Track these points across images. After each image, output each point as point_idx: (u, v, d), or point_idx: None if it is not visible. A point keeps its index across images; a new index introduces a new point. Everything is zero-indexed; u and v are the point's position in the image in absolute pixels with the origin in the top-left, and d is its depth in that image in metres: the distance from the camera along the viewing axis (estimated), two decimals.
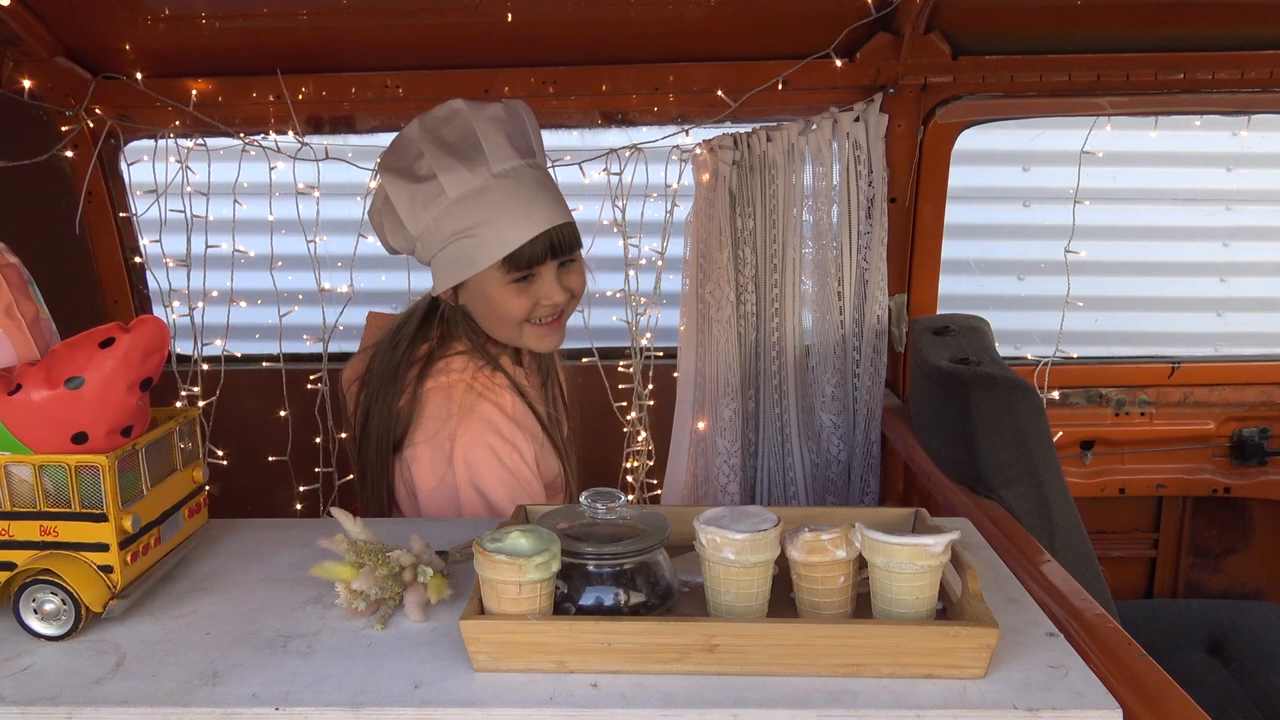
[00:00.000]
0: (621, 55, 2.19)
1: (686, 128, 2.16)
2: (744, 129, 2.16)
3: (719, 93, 2.12)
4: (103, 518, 1.10)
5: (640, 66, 2.19)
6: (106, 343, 1.10)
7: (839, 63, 2.09)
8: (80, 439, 1.10)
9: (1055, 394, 2.39)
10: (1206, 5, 2.03)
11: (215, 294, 2.26)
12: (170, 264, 2.25)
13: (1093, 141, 2.23)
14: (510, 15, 2.07)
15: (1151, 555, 2.61)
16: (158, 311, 2.35)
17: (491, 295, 1.58)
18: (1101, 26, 2.08)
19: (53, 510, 1.11)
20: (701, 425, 2.23)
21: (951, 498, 1.80)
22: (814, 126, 2.14)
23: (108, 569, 1.11)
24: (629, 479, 2.33)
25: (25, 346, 1.14)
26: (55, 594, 1.09)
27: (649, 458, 2.33)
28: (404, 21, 2.11)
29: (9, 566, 1.11)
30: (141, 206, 2.28)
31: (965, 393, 1.79)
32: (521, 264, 1.55)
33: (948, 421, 1.85)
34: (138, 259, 2.35)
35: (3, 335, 1.13)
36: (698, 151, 2.14)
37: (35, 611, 1.10)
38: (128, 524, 1.11)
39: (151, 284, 2.35)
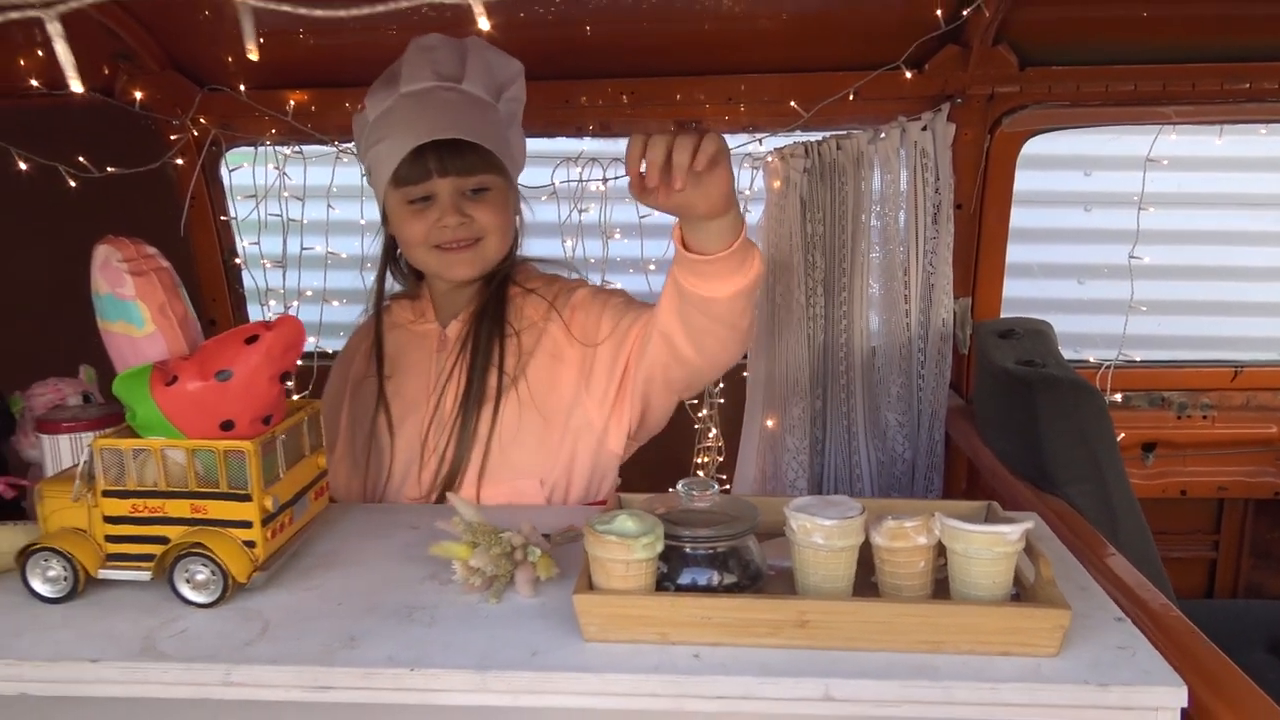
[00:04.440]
0: (696, 67, 2.29)
1: (760, 137, 2.25)
2: (814, 137, 2.24)
3: (791, 103, 2.20)
4: (247, 497, 1.22)
5: (714, 78, 2.29)
6: (251, 339, 1.22)
7: (908, 74, 2.17)
8: (228, 426, 1.21)
9: (1118, 396, 2.44)
10: (1271, 16, 2.08)
11: (309, 293, 2.39)
12: (267, 265, 2.39)
13: (1157, 148, 2.28)
14: (589, 29, 2.18)
15: (1212, 557, 2.65)
16: (253, 309, 2.49)
17: (395, 217, 1.58)
18: (1167, 38, 2.13)
19: (202, 490, 1.22)
20: (770, 423, 2.32)
21: (1017, 494, 1.86)
22: (883, 135, 2.22)
23: (251, 544, 1.22)
24: (699, 473, 2.43)
25: (176, 342, 1.26)
26: (206, 565, 1.20)
27: (719, 454, 2.42)
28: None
29: (164, 540, 1.23)
30: (237, 209, 2.42)
31: (1030, 394, 1.86)
32: (404, 181, 1.52)
33: (1013, 422, 1.92)
34: (236, 260, 2.49)
35: (157, 332, 1.25)
36: (770, 159, 2.24)
37: (187, 581, 1.21)
38: (268, 503, 1.23)
39: (247, 283, 2.49)
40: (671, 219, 1.32)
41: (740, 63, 2.27)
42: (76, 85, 0.57)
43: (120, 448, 1.22)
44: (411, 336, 1.66)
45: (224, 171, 2.42)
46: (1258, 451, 2.52)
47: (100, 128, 2.28)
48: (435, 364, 1.63)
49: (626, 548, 1.10)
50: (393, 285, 1.72)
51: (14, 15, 0.51)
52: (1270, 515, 2.61)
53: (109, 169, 2.10)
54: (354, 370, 1.70)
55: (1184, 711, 1.03)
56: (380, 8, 0.65)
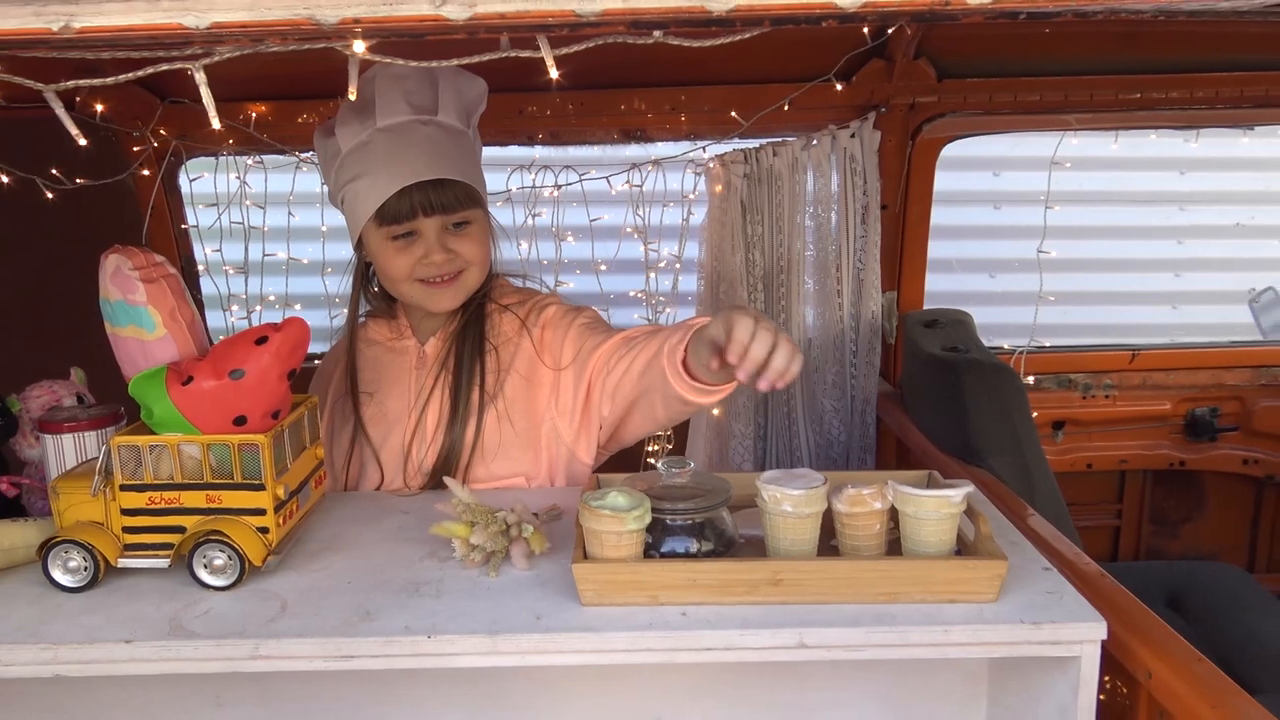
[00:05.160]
0: (639, 79, 2.42)
1: (703, 145, 2.40)
2: (752, 144, 2.40)
3: (732, 114, 2.35)
4: (261, 487, 1.31)
5: (657, 89, 2.43)
6: (261, 340, 1.31)
7: (838, 86, 2.34)
8: (240, 421, 1.30)
9: (1030, 379, 2.66)
10: (1160, 34, 2.30)
11: (271, 297, 2.46)
12: (229, 271, 2.45)
13: (1061, 150, 2.50)
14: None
15: (1116, 524, 2.90)
16: (215, 316, 2.54)
17: (377, 252, 1.60)
18: (1069, 53, 2.35)
19: (217, 482, 1.31)
20: (716, 412, 2.47)
21: (945, 468, 2.04)
22: (815, 142, 2.39)
23: (264, 530, 1.32)
24: (650, 461, 2.57)
25: (186, 345, 1.35)
26: (223, 551, 1.29)
27: (668, 441, 2.56)
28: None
29: (181, 530, 1.31)
30: (199, 217, 2.47)
31: (956, 376, 2.04)
32: (388, 219, 1.54)
33: (941, 402, 2.11)
34: (197, 267, 2.54)
35: (168, 335, 1.34)
36: (711, 165, 2.39)
37: (205, 567, 1.30)
38: (280, 492, 1.32)
39: (209, 289, 2.54)
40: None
41: (681, 75, 2.42)
42: (215, 123, 0.67)
43: (137, 444, 1.30)
44: (390, 354, 1.70)
45: (184, 181, 2.47)
46: (1154, 426, 2.77)
47: (58, 139, 2.31)
48: (415, 380, 1.68)
49: (619, 520, 1.23)
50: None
51: (164, 67, 0.61)
52: (1166, 485, 2.87)
53: (78, 180, 2.14)
54: (333, 389, 1.74)
55: (1103, 643, 1.20)
56: (469, 59, 0.77)
